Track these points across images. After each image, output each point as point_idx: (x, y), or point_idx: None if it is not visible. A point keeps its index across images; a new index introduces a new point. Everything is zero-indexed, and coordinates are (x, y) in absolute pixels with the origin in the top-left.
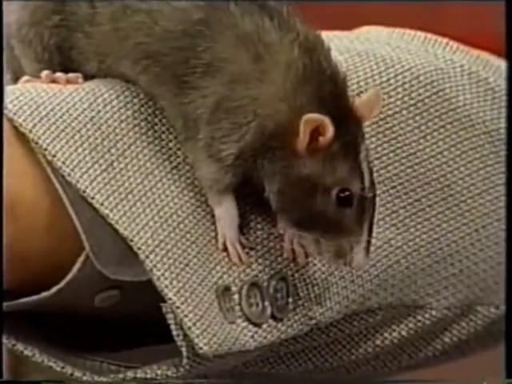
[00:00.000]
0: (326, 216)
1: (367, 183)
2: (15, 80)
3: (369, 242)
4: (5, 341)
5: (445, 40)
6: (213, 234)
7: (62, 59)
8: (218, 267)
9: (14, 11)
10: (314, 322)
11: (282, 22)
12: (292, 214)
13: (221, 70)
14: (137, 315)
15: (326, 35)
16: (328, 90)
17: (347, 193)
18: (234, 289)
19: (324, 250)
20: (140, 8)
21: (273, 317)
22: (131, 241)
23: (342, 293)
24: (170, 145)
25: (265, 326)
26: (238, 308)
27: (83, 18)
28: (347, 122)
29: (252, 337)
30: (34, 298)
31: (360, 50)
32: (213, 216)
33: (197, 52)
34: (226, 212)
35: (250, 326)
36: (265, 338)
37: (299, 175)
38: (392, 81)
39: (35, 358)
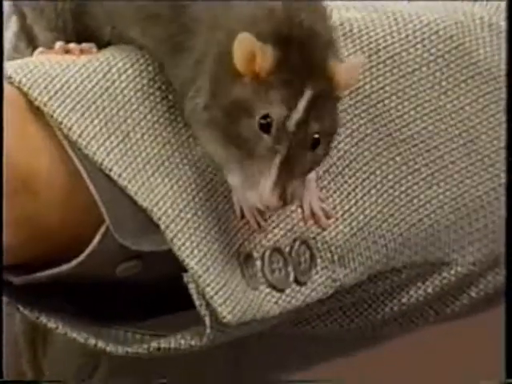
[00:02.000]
0: (245, 138)
1: (295, 119)
2: (32, 50)
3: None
4: (28, 313)
5: None
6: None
7: (76, 26)
8: (239, 234)
9: None
10: (338, 284)
11: None
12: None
13: (202, 23)
14: (160, 284)
15: None
16: (287, 31)
17: (268, 119)
18: (256, 255)
19: (237, 179)
20: None
21: (296, 281)
22: (151, 211)
23: (365, 253)
24: None
25: (288, 290)
26: (260, 274)
27: None
28: (301, 67)
29: (276, 302)
30: (56, 270)
31: (378, 7)
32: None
33: (184, 8)
34: (241, 181)
35: (274, 292)
36: (289, 302)
37: (233, 99)
38: (411, 37)
39: (59, 330)
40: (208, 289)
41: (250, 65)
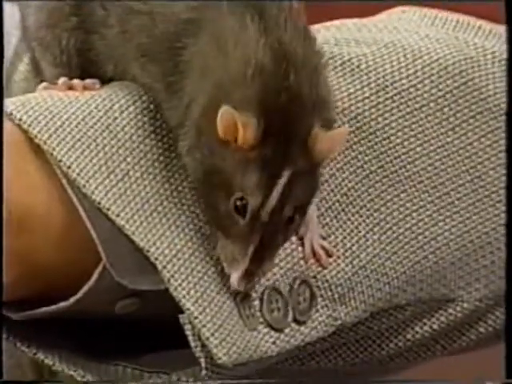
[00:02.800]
0: (222, 213)
1: (269, 208)
2: (40, 82)
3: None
4: (26, 349)
5: (478, 23)
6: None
7: (81, 61)
8: None
9: (31, 14)
10: (339, 322)
11: (267, 23)
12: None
13: (194, 67)
14: (157, 321)
15: (357, 23)
16: (277, 100)
17: (244, 202)
18: (254, 295)
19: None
20: (143, 10)
21: (295, 320)
22: (147, 251)
23: (367, 291)
24: None
25: (287, 330)
26: (258, 314)
27: (98, 20)
28: (286, 143)
29: (274, 343)
30: (53, 307)
31: (387, 42)
32: None
33: (179, 50)
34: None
35: (272, 332)
36: (287, 342)
37: (212, 164)
38: (419, 73)
39: (55, 367)
40: (204, 330)
41: (233, 135)
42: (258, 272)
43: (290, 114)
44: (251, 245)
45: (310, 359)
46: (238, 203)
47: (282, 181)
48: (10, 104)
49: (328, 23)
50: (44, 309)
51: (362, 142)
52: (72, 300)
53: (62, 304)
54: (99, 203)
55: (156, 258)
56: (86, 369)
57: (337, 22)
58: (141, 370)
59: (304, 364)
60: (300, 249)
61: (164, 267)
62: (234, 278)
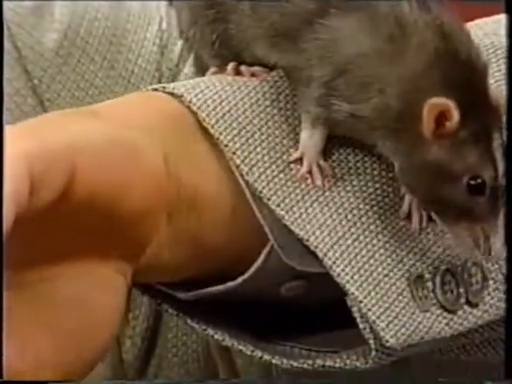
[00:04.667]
0: (456, 204)
1: (500, 171)
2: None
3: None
4: (196, 326)
5: None
6: (402, 223)
7: (229, 51)
8: (411, 255)
9: (181, 15)
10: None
11: (420, 4)
12: (418, 194)
13: (347, 45)
14: (325, 303)
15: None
16: (459, 75)
17: (479, 180)
18: (427, 276)
19: (460, 239)
20: None
21: (468, 302)
22: (307, 241)
23: None
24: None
25: (460, 312)
26: (432, 295)
27: (230, 9)
28: (480, 108)
29: (447, 324)
30: (221, 287)
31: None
32: (399, 207)
33: (323, 26)
34: (312, 136)
35: (445, 313)
36: (461, 324)
37: (425, 160)
38: None
39: (225, 342)
40: (370, 313)
41: (442, 124)
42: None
43: (471, 82)
44: (500, 213)
45: (477, 350)
46: (472, 182)
47: (498, 146)
48: (181, 86)
49: (495, 17)
50: (212, 288)
51: None
52: (240, 280)
53: (230, 284)
54: (260, 192)
55: (316, 247)
56: (254, 345)
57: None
58: (308, 349)
59: (471, 355)
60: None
61: (325, 255)
62: (498, 246)
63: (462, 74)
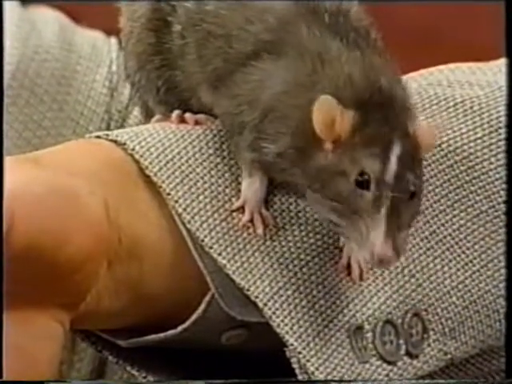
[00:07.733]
0: (344, 197)
1: (391, 175)
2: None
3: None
4: (136, 373)
5: None
6: (342, 274)
7: (174, 98)
8: (351, 306)
9: (128, 60)
10: (449, 356)
11: (349, 41)
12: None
13: (272, 84)
14: (265, 352)
15: (471, 66)
16: (368, 96)
17: (365, 176)
18: (367, 327)
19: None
20: (220, 34)
21: (408, 353)
22: (248, 290)
23: (478, 327)
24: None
25: (400, 363)
26: (371, 346)
27: (176, 53)
28: (383, 125)
29: (387, 375)
30: (161, 335)
31: (501, 85)
32: (339, 258)
33: (255, 68)
34: (252, 184)
35: (385, 365)
36: (400, 375)
37: (321, 166)
38: None
39: None
40: (308, 364)
41: (331, 129)
42: (397, 241)
43: (384, 108)
44: (383, 208)
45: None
46: (359, 178)
47: (395, 149)
48: (124, 134)
49: (442, 66)
50: (152, 336)
51: (474, 181)
52: (180, 328)
53: (170, 332)
54: (202, 240)
55: (256, 297)
56: None
57: (451, 65)
58: None
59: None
60: (412, 281)
61: (265, 305)
62: (378, 244)
63: (370, 95)
